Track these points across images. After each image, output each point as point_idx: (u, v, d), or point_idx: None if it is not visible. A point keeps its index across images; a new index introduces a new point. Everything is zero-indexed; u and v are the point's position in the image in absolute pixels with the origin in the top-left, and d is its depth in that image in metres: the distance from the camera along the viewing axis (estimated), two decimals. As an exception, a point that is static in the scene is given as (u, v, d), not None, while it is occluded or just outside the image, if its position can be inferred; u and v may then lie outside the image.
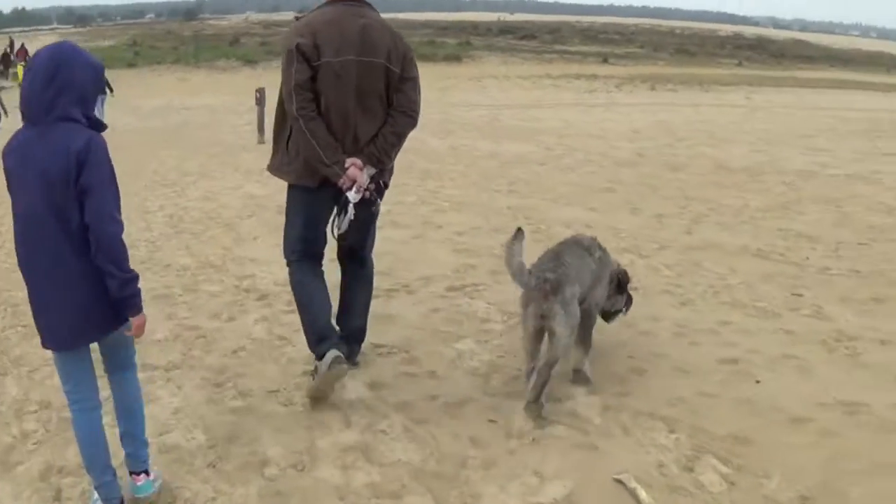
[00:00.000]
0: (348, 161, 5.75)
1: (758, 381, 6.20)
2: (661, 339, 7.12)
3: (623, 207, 12.28)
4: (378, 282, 7.10)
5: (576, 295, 5.92)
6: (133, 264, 4.09)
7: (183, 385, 6.15)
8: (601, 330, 6.67)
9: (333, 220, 6.01)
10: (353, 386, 6.11)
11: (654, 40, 77.61)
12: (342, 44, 5.71)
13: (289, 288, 6.50)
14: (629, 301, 6.90)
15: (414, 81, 6.02)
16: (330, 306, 6.24)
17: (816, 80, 56.13)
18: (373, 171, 5.88)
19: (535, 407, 5.72)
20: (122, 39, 63.81)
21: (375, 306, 6.85)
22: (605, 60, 55.90)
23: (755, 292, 8.46)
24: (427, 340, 7.02)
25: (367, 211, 6.03)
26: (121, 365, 4.46)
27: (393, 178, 6.36)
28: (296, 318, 6.48)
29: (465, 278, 8.80)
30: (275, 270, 8.76)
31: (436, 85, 34.73)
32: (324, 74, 5.70)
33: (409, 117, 5.98)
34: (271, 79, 33.60)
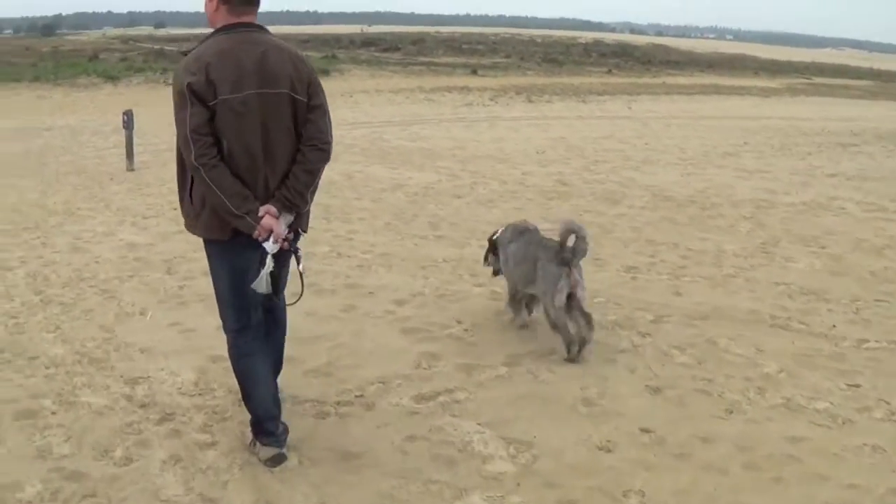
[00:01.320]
0: (262, 209, 5.21)
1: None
2: (734, 478, 5.28)
3: (579, 256, 10.26)
4: (321, 386, 6.46)
5: None
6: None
7: None
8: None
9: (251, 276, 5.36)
10: None
11: (520, 50, 76.96)
12: (240, 77, 5.11)
13: (200, 401, 6.23)
14: None
15: (322, 109, 5.43)
16: (275, 385, 5.72)
17: (688, 86, 55.77)
18: (290, 218, 5.37)
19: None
20: None
21: (326, 433, 5.69)
22: (475, 72, 54.50)
23: (804, 385, 6.69)
24: (418, 500, 4.98)
25: (286, 262, 5.59)
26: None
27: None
28: (223, 461, 5.49)
29: (432, 378, 6.72)
30: (176, 368, 6.81)
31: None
32: (223, 114, 5.07)
33: (321, 150, 5.42)
34: (134, 97, 30.95)
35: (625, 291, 8.73)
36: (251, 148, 5.19)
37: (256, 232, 5.16)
